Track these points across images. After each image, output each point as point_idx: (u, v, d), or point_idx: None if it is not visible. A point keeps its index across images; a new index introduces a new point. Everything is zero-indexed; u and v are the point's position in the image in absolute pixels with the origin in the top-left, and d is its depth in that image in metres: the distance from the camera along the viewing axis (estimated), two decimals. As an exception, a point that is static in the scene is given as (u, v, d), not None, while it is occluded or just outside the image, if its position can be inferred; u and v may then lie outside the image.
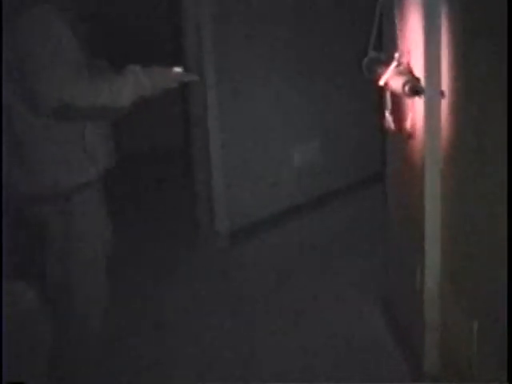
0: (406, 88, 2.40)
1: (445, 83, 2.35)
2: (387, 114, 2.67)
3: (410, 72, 2.52)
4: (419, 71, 2.46)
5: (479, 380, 2.38)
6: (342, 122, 4.49)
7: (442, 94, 2.35)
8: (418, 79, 2.42)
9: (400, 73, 2.54)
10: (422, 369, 2.73)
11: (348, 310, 3.37)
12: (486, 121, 2.13)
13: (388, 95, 2.69)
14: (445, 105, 2.37)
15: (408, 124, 2.58)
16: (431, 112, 2.39)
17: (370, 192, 4.26)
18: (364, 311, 3.33)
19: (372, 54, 2.80)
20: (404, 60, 2.59)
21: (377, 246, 3.52)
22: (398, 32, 2.69)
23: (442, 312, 2.65)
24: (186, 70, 2.68)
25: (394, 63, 2.59)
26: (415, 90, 2.39)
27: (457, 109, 2.32)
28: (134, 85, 2.47)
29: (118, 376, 2.87)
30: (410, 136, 2.57)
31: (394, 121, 2.67)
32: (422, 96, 2.39)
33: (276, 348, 3.11)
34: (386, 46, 2.86)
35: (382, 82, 2.61)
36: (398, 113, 2.68)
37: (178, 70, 2.57)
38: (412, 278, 2.73)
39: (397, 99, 2.65)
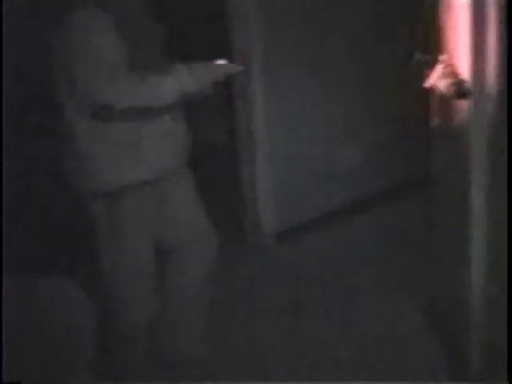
0: (453, 90, 2.40)
1: (492, 85, 2.34)
2: (434, 115, 2.68)
3: (457, 74, 2.51)
4: (466, 73, 2.46)
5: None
6: (388, 123, 4.47)
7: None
8: (464, 81, 2.42)
9: (447, 74, 2.54)
10: (467, 368, 2.73)
11: (393, 308, 3.38)
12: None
13: (434, 97, 2.69)
14: (492, 107, 2.36)
15: (454, 126, 2.57)
16: (478, 114, 2.38)
17: (416, 193, 4.23)
18: (408, 310, 3.33)
19: (418, 55, 2.80)
20: (451, 61, 2.59)
21: (422, 245, 3.51)
22: (444, 33, 2.69)
23: (487, 311, 2.64)
24: (231, 61, 2.67)
25: (441, 65, 2.59)
26: (462, 93, 2.39)
27: (503, 111, 2.32)
28: (175, 83, 2.50)
29: (163, 370, 2.93)
30: (457, 138, 2.57)
31: (441, 123, 2.68)
32: (469, 98, 2.39)
33: (324, 344, 3.15)
34: (432, 47, 2.85)
35: (428, 84, 2.61)
36: (445, 115, 2.67)
37: (222, 62, 2.58)
38: (458, 276, 2.73)
39: (443, 101, 2.65)
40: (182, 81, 2.50)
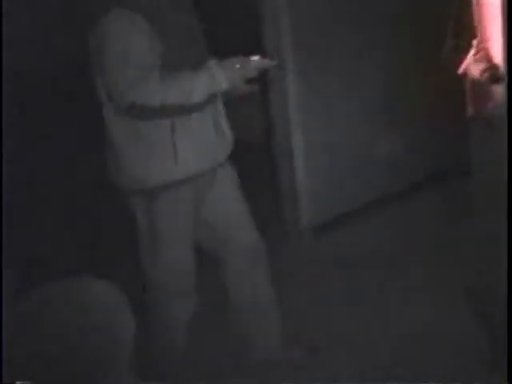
0: (486, 75, 2.35)
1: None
2: (469, 102, 2.62)
3: (489, 59, 2.46)
4: (499, 58, 2.40)
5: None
6: (421, 114, 4.41)
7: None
8: (497, 66, 2.37)
9: (479, 60, 2.49)
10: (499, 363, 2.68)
11: (433, 300, 3.35)
12: None
13: (468, 83, 2.64)
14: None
15: (489, 113, 2.52)
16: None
17: (455, 183, 4.16)
18: (449, 302, 3.29)
19: (450, 42, 2.74)
20: (483, 47, 2.53)
21: (462, 237, 3.46)
22: (476, 18, 2.63)
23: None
24: (265, 57, 2.66)
25: (473, 50, 2.53)
26: (495, 78, 2.34)
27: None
28: (207, 80, 2.50)
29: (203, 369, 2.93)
30: (491, 125, 2.51)
31: (475, 110, 2.62)
32: (502, 83, 2.34)
33: (364, 337, 3.16)
34: (464, 33, 2.79)
35: (461, 70, 2.56)
36: (479, 101, 2.61)
37: (255, 58, 2.56)
38: (495, 267, 2.67)
39: (477, 87, 2.59)
40: (214, 78, 2.50)
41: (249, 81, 2.59)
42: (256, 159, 4.71)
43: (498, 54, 2.41)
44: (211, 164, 2.71)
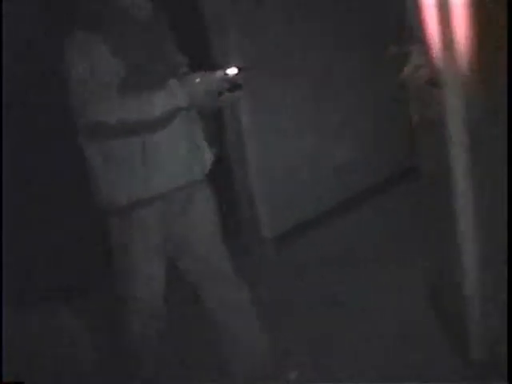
0: (426, 80, 2.42)
1: (465, 73, 2.36)
2: (412, 107, 2.69)
3: (431, 64, 2.53)
4: (440, 62, 2.47)
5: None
6: (373, 119, 4.49)
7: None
8: (438, 70, 2.43)
9: (421, 65, 2.56)
10: (470, 358, 2.75)
11: (398, 301, 3.37)
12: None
13: (412, 88, 2.70)
14: (466, 94, 2.38)
15: (432, 115, 2.59)
16: (452, 102, 2.39)
17: (406, 185, 4.23)
18: (413, 302, 3.32)
19: (394, 48, 2.81)
20: (425, 52, 2.60)
21: (422, 239, 3.52)
22: (419, 24, 2.70)
23: (482, 302, 2.65)
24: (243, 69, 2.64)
25: (415, 55, 2.60)
26: (435, 82, 2.40)
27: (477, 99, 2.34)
28: (166, 97, 2.52)
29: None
30: (435, 127, 2.58)
31: (420, 113, 2.69)
32: (444, 87, 2.40)
33: (334, 340, 3.19)
34: (407, 39, 2.86)
35: (404, 76, 2.63)
36: (423, 105, 2.68)
37: (229, 71, 2.57)
38: (454, 268, 2.74)
39: (419, 92, 2.66)
40: (173, 95, 2.53)
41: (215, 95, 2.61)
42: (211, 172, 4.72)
43: (439, 59, 2.47)
44: (184, 181, 2.70)
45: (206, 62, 3.63)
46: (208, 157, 2.81)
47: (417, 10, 2.67)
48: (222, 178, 4.40)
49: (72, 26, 2.53)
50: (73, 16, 2.56)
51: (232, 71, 2.58)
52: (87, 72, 2.49)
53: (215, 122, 3.38)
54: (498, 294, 2.55)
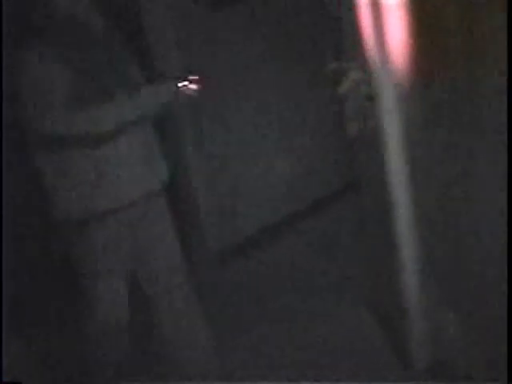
0: (364, 95, 2.49)
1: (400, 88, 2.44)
2: (350, 121, 2.75)
3: (368, 78, 2.59)
4: (377, 77, 2.53)
5: (466, 373, 2.45)
6: (313, 134, 4.55)
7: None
8: (373, 85, 2.50)
9: (359, 80, 2.62)
10: (414, 365, 2.81)
11: (340, 313, 3.43)
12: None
13: (350, 103, 2.76)
14: (403, 107, 2.45)
15: (370, 129, 2.65)
16: (389, 116, 2.47)
17: (349, 200, 4.29)
18: (355, 313, 3.39)
19: (333, 64, 2.87)
20: (363, 67, 2.67)
21: (362, 250, 3.58)
22: (355, 40, 2.77)
23: (424, 309, 2.72)
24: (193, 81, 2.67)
25: (353, 71, 2.67)
26: (372, 96, 2.47)
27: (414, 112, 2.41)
28: (116, 110, 2.56)
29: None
30: (373, 141, 2.64)
31: (358, 128, 2.75)
32: (379, 101, 2.47)
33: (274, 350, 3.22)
34: (345, 55, 2.93)
35: (342, 91, 2.69)
36: (361, 119, 2.75)
37: (180, 83, 2.61)
38: (394, 276, 2.80)
39: (355, 105, 2.72)
40: (122, 108, 2.56)
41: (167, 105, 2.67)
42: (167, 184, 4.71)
43: (376, 74, 2.53)
44: (139, 195, 2.70)
45: (156, 73, 3.67)
46: (163, 169, 2.82)
47: (354, 27, 2.74)
48: (178, 190, 4.43)
49: (22, 39, 2.53)
50: (23, 28, 2.55)
51: (182, 83, 2.61)
52: (37, 84, 2.50)
53: (170, 134, 3.40)
54: (438, 303, 2.63)
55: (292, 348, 3.23)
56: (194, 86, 2.66)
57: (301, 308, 3.55)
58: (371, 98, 2.47)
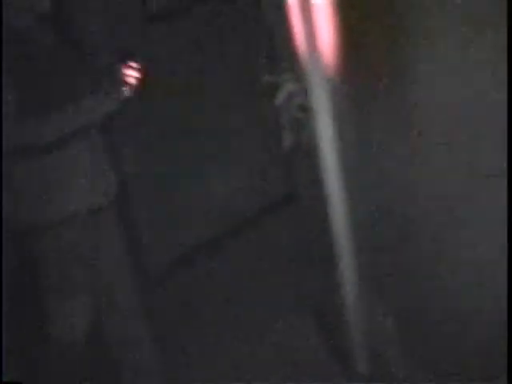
0: (298, 106, 2.52)
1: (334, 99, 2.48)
2: (286, 132, 2.78)
3: (302, 90, 2.62)
4: (311, 89, 2.57)
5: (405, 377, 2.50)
6: (249, 146, 4.57)
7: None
8: (306, 97, 2.53)
9: (294, 92, 2.65)
10: (356, 370, 2.84)
11: (286, 322, 3.47)
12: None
13: (286, 115, 2.79)
14: (337, 118, 2.49)
15: (306, 141, 2.68)
16: (324, 127, 2.50)
17: (287, 212, 4.33)
18: (300, 323, 3.44)
19: (266, 77, 2.90)
20: (298, 79, 2.70)
21: (303, 259, 3.63)
22: (289, 53, 2.81)
23: (363, 314, 2.76)
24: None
25: (288, 83, 2.70)
26: (307, 108, 2.50)
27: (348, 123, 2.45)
28: (57, 121, 2.55)
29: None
30: (309, 152, 2.68)
31: (294, 139, 2.78)
32: (310, 113, 2.50)
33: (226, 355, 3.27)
34: (280, 67, 2.96)
35: (277, 103, 2.72)
36: (296, 131, 2.78)
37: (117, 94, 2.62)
38: (334, 282, 2.84)
39: (290, 117, 2.76)
40: (65, 119, 2.56)
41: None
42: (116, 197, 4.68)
43: (310, 86, 2.57)
44: (87, 207, 2.69)
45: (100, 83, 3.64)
46: (112, 182, 2.81)
47: (287, 40, 2.78)
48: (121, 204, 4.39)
49: None
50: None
51: (122, 93, 2.62)
52: None
53: (117, 146, 3.37)
54: (377, 308, 2.68)
55: (234, 356, 3.28)
56: (136, 75, 2.68)
57: (243, 317, 3.59)
58: (306, 109, 2.50)
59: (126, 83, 2.68)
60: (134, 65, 2.71)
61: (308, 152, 2.66)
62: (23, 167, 2.58)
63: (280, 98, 2.67)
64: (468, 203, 1.85)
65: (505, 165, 1.74)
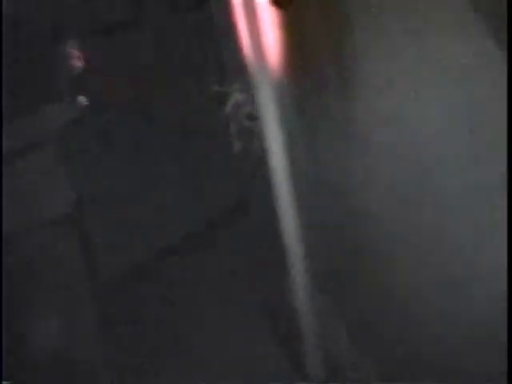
0: (246, 115, 2.54)
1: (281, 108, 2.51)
2: (235, 142, 2.80)
3: (250, 99, 2.65)
4: (259, 98, 2.60)
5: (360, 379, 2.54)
6: (199, 157, 4.59)
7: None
8: (254, 106, 2.56)
9: (241, 101, 2.68)
10: (309, 374, 2.87)
11: (239, 327, 3.50)
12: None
13: (235, 124, 2.82)
14: (285, 127, 2.53)
15: (255, 150, 2.71)
16: (273, 136, 2.53)
17: (239, 221, 4.35)
18: (253, 327, 3.47)
19: (215, 87, 2.92)
20: (245, 89, 2.73)
21: (256, 266, 3.65)
22: (237, 63, 2.84)
23: (315, 317, 2.79)
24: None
25: (236, 93, 2.72)
26: (252, 117, 2.53)
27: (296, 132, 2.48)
28: (15, 134, 2.56)
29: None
30: (258, 161, 2.71)
31: (244, 148, 2.80)
32: (258, 122, 2.53)
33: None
34: (228, 77, 2.99)
35: (226, 112, 2.74)
36: (246, 140, 2.81)
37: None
38: (286, 288, 2.86)
39: (239, 126, 2.78)
40: (23, 128, 2.58)
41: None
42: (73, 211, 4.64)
43: (258, 95, 2.59)
44: (45, 220, 2.71)
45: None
46: (68, 197, 2.80)
47: (235, 50, 2.81)
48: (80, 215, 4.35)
49: None
50: None
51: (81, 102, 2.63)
52: None
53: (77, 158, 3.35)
54: (329, 314, 2.71)
55: (188, 360, 3.31)
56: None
57: (196, 324, 3.63)
58: (254, 118, 2.52)
59: (84, 93, 2.68)
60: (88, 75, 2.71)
61: (258, 160, 2.69)
62: None
63: (228, 107, 2.69)
64: (421, 206, 1.86)
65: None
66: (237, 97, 2.69)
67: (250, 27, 2.52)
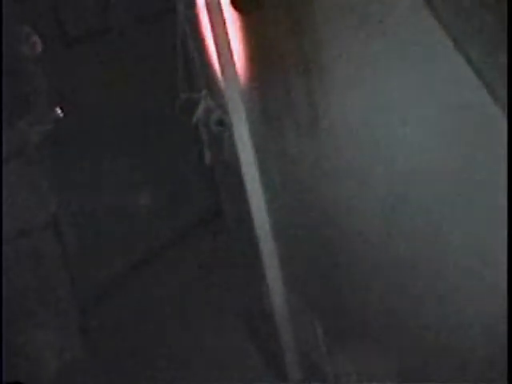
0: (215, 122, 2.56)
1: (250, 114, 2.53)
2: (206, 148, 2.81)
3: (219, 105, 2.67)
4: (227, 104, 2.61)
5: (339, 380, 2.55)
6: (171, 165, 4.60)
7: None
8: (223, 112, 2.58)
9: (211, 108, 2.70)
10: (287, 374, 2.89)
11: (217, 328, 3.52)
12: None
13: (205, 131, 2.83)
14: (254, 133, 2.54)
15: (226, 156, 2.73)
16: (242, 142, 2.55)
17: (214, 229, 4.36)
18: (232, 328, 3.49)
19: (183, 95, 2.93)
20: (214, 96, 2.75)
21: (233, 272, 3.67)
22: (205, 71, 2.85)
23: (291, 319, 2.81)
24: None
25: (205, 100, 2.74)
26: (224, 123, 2.55)
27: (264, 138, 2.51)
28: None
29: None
30: (230, 168, 2.72)
31: (215, 155, 2.82)
32: (228, 128, 2.55)
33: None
34: (195, 85, 3.00)
35: (195, 119, 2.75)
36: (216, 147, 2.82)
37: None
38: (262, 291, 2.88)
39: (213, 134, 2.80)
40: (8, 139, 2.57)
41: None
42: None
43: (226, 101, 2.61)
44: (25, 226, 2.70)
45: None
46: (51, 203, 2.80)
47: (204, 58, 2.82)
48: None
49: None
50: None
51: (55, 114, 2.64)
52: None
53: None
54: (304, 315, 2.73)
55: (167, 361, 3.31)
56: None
57: (177, 326, 3.64)
58: (222, 124, 2.54)
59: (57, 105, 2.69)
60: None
61: (229, 165, 2.70)
62: None
63: (198, 113, 2.70)
64: (399, 205, 1.87)
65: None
66: (206, 103, 2.71)
67: (218, 33, 2.54)
